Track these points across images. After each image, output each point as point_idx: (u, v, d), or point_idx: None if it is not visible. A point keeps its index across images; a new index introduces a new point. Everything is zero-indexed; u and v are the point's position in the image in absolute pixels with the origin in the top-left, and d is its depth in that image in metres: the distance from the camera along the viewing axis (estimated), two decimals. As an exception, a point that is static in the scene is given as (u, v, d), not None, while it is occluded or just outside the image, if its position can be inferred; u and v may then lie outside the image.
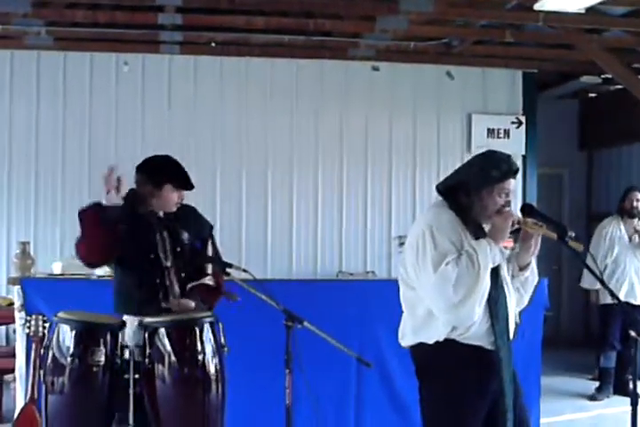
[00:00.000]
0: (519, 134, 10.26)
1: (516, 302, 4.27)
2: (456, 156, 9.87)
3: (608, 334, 8.66)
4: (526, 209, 4.23)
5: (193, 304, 4.86)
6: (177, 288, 4.88)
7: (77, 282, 6.26)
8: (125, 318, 4.76)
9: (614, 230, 8.74)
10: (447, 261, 3.91)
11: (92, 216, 4.75)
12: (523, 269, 4.28)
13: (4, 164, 9.33)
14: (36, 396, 5.16)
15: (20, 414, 5.33)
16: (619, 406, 8.18)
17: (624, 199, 8.83)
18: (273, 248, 9.76)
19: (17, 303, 5.78)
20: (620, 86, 10.42)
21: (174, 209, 4.98)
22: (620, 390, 8.57)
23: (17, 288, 5.81)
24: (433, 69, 10.07)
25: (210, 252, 5.08)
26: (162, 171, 4.95)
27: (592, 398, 8.60)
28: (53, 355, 4.56)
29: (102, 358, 4.51)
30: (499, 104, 10.33)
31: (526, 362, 5.66)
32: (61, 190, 9.39)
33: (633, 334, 4.78)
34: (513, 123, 10.26)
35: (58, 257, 8.13)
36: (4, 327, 8.73)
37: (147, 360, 4.51)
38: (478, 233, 4.09)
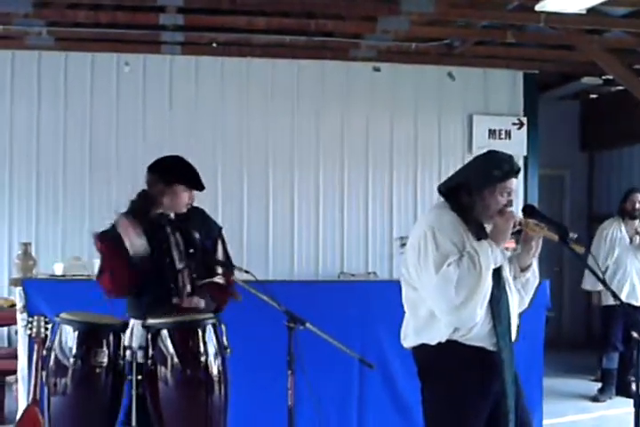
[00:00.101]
0: (520, 135, 10.26)
1: (517, 304, 4.27)
2: (457, 156, 9.88)
3: (610, 335, 8.66)
4: (528, 210, 4.23)
5: (202, 303, 4.85)
6: (189, 289, 4.88)
7: (79, 283, 6.27)
8: (134, 320, 4.76)
9: (615, 232, 8.74)
10: (449, 263, 3.91)
11: (112, 247, 4.76)
12: (524, 270, 4.28)
13: (5, 165, 9.33)
14: (38, 397, 5.16)
15: (22, 415, 5.32)
16: (621, 408, 8.19)
17: (625, 201, 8.84)
18: (274, 249, 9.76)
19: (19, 304, 5.78)
20: (621, 87, 10.41)
21: (184, 210, 4.98)
22: (623, 391, 8.59)
23: (19, 289, 5.81)
24: (434, 70, 10.07)
25: (220, 252, 5.08)
26: (173, 171, 4.96)
27: (594, 399, 8.60)
28: (56, 356, 4.56)
29: (105, 359, 4.51)
30: (500, 105, 10.33)
31: (528, 363, 5.65)
32: (63, 191, 9.39)
33: (635, 335, 4.79)
34: (514, 124, 10.26)
35: (59, 258, 8.15)
36: (5, 329, 8.72)
37: (149, 361, 4.51)
38: (480, 234, 4.08)
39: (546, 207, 10.26)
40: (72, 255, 7.66)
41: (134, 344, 4.61)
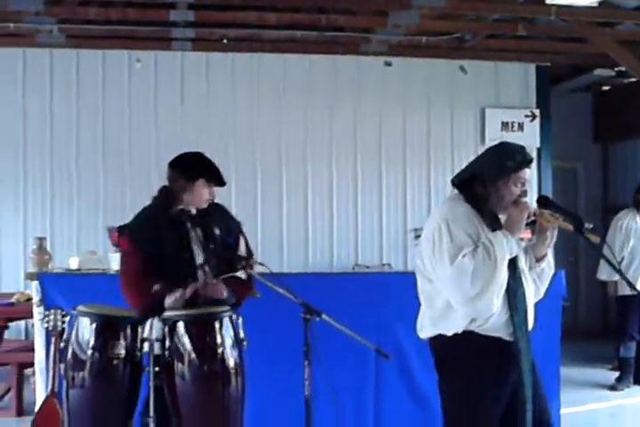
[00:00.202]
0: (533, 128, 10.27)
1: (532, 294, 4.27)
2: (470, 149, 9.87)
3: (626, 324, 8.66)
4: (542, 201, 4.24)
5: (225, 292, 4.87)
6: None
7: (95, 277, 6.27)
8: None
9: (630, 222, 8.71)
10: (464, 254, 3.92)
11: (130, 242, 4.82)
12: (539, 260, 4.29)
13: (19, 161, 9.41)
14: (56, 389, 5.18)
15: (41, 407, 5.34)
16: (639, 397, 8.21)
17: (639, 191, 8.82)
18: (289, 242, 9.80)
19: (35, 298, 5.80)
20: (633, 79, 10.42)
21: (205, 205, 4.97)
22: (641, 380, 8.62)
23: (35, 283, 5.83)
24: (446, 64, 10.09)
25: (242, 247, 5.09)
26: (194, 166, 4.96)
27: (612, 388, 8.58)
28: (73, 349, 4.57)
29: (122, 352, 4.52)
30: (512, 98, 10.34)
31: (546, 353, 5.64)
32: (77, 186, 9.46)
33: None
34: (527, 116, 10.27)
35: (74, 252, 8.17)
36: (23, 322, 8.78)
37: (166, 353, 4.52)
38: (495, 225, 4.09)
39: (560, 199, 10.09)
40: (87, 249, 7.68)
41: (152, 336, 4.62)
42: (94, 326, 4.55)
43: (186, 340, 4.53)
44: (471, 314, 4.00)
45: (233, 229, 5.11)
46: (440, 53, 9.93)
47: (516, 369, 4.03)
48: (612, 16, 8.46)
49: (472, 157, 4.46)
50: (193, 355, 4.51)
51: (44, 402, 5.29)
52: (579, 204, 12.32)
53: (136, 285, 4.75)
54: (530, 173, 4.19)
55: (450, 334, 4.09)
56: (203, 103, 9.72)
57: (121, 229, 4.93)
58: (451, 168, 9.76)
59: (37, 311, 5.72)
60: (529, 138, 10.03)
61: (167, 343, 4.53)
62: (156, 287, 4.72)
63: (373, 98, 9.99)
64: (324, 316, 4.39)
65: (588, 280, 10.93)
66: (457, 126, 10.22)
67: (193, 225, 4.92)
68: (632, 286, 4.50)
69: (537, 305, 4.34)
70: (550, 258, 4.35)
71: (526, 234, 4.26)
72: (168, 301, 4.66)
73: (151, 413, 4.42)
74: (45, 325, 5.30)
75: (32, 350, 5.96)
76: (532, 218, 4.10)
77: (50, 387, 5.26)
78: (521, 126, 10.21)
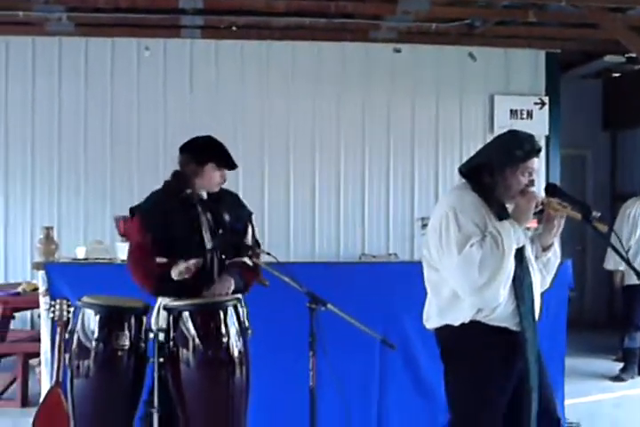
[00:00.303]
0: (542, 115, 10.22)
1: (539, 284, 4.26)
2: (479, 137, 9.83)
3: (632, 315, 8.64)
4: (550, 189, 4.22)
5: (232, 281, 4.87)
6: (217, 269, 4.90)
7: (101, 266, 6.30)
8: (161, 299, 4.80)
9: (638, 211, 8.67)
10: (471, 243, 3.91)
11: (142, 220, 4.87)
12: (545, 249, 4.28)
13: (27, 150, 9.42)
14: (61, 379, 5.20)
15: (46, 397, 5.36)
16: (644, 387, 8.22)
17: (648, 179, 8.80)
18: (295, 231, 9.80)
19: (41, 288, 5.81)
20: (644, 66, 10.36)
21: (217, 189, 5.02)
22: (645, 370, 8.60)
23: (41, 273, 5.84)
24: (455, 51, 10.04)
25: (249, 237, 5.10)
26: (205, 150, 4.99)
27: (616, 378, 8.56)
28: (78, 339, 4.59)
29: (127, 342, 4.53)
30: (521, 85, 10.29)
31: (551, 343, 5.62)
32: (84, 175, 9.48)
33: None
34: (536, 104, 10.21)
35: (81, 242, 8.20)
36: (29, 312, 8.78)
37: (171, 343, 4.53)
38: (502, 214, 4.08)
39: (568, 187, 10.06)
40: (94, 239, 7.69)
41: (156, 327, 4.64)
42: (99, 317, 4.56)
43: (191, 329, 4.55)
44: (478, 304, 4.00)
45: (243, 216, 5.15)
46: (449, 40, 9.87)
47: (523, 359, 4.04)
48: (623, 1, 8.39)
49: (480, 145, 4.46)
50: (198, 343, 4.53)
51: (49, 393, 5.31)
52: (586, 191, 12.25)
53: (144, 263, 4.80)
54: (538, 163, 4.18)
55: (457, 324, 4.10)
56: (212, 91, 9.70)
57: (132, 210, 4.97)
58: (459, 155, 9.73)
59: (43, 301, 5.74)
60: (538, 126, 9.97)
61: (172, 333, 4.55)
62: (160, 261, 4.76)
63: (382, 85, 9.95)
64: (329, 305, 4.39)
65: (595, 270, 10.90)
66: (466, 113, 10.18)
67: (203, 209, 4.96)
68: (639, 276, 4.48)
69: (543, 295, 4.33)
70: (557, 247, 4.34)
71: (532, 223, 4.25)
72: (174, 272, 4.68)
73: (155, 403, 4.44)
74: (51, 315, 5.32)
75: (38, 340, 5.99)
76: (540, 207, 4.09)
77: (55, 378, 5.27)
78: (530, 114, 10.16)
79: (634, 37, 8.73)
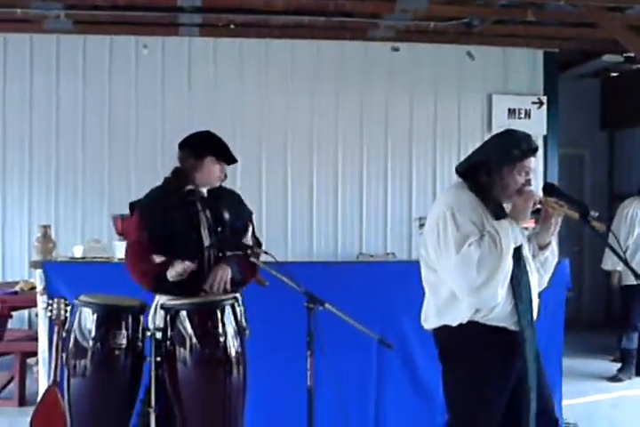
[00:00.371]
0: (540, 115, 10.22)
1: (536, 283, 4.26)
2: (476, 136, 9.82)
3: (630, 315, 8.64)
4: (548, 188, 4.23)
5: (228, 270, 4.86)
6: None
7: (99, 265, 6.27)
8: (159, 297, 4.80)
9: (635, 211, 8.64)
10: (470, 243, 3.91)
11: (142, 216, 4.86)
12: (543, 248, 4.28)
13: (25, 147, 9.41)
14: (58, 379, 5.19)
15: (43, 396, 5.34)
16: (641, 388, 8.22)
17: (645, 179, 8.78)
18: (293, 230, 9.80)
19: (39, 287, 5.81)
20: (642, 65, 10.35)
21: (217, 184, 5.03)
22: (642, 371, 8.60)
23: (39, 272, 5.83)
24: (453, 49, 10.04)
25: (249, 236, 5.10)
26: (203, 143, 5.01)
27: (614, 379, 8.56)
28: (75, 338, 4.58)
29: (124, 341, 4.53)
30: (520, 84, 10.29)
31: (548, 343, 5.63)
32: (82, 174, 9.47)
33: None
34: (534, 103, 10.21)
35: (79, 240, 8.19)
36: (26, 311, 8.78)
37: (168, 343, 4.53)
38: (499, 213, 4.08)
39: (566, 186, 9.99)
40: (91, 237, 7.68)
41: (153, 325, 4.63)
42: (96, 315, 4.56)
43: (188, 328, 4.55)
44: (476, 304, 3.99)
45: (243, 216, 5.17)
46: (448, 39, 9.87)
47: (521, 359, 4.03)
48: (621, 0, 8.39)
49: (478, 144, 4.45)
50: (195, 342, 4.53)
51: (46, 392, 5.29)
52: (584, 191, 12.26)
53: (142, 259, 4.80)
54: (535, 162, 4.18)
55: (455, 324, 4.09)
56: (210, 89, 9.69)
57: (132, 205, 4.99)
58: (457, 154, 9.72)
59: (41, 300, 5.73)
60: (536, 125, 9.98)
61: (169, 332, 4.55)
62: (158, 260, 4.75)
63: (380, 83, 9.95)
64: (327, 305, 4.38)
65: (593, 270, 10.91)
66: (464, 112, 10.18)
67: (203, 207, 4.96)
68: (637, 276, 4.48)
69: (541, 294, 4.33)
70: (554, 246, 4.34)
71: (530, 223, 4.25)
72: (169, 273, 4.68)
73: (152, 403, 4.43)
74: (49, 314, 5.30)
75: (35, 339, 5.99)
76: (538, 206, 4.09)
77: (52, 377, 5.26)
78: (528, 113, 10.16)
79: (632, 37, 8.73)
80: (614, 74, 11.89)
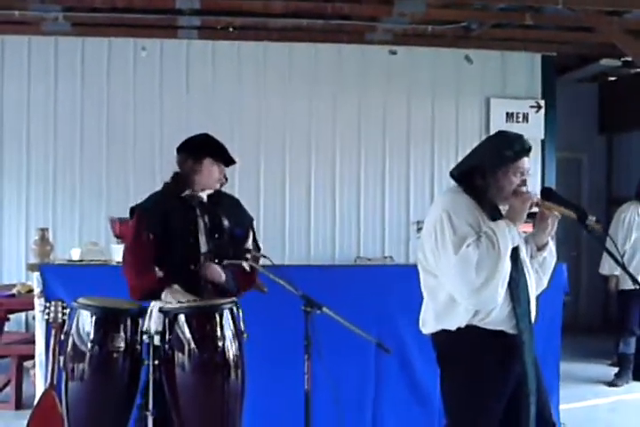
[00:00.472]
0: (538, 118, 10.22)
1: (535, 285, 4.25)
2: (474, 140, 9.66)
3: (627, 319, 8.61)
4: (545, 193, 4.23)
5: (223, 275, 4.86)
6: None
7: (96, 268, 6.28)
8: (154, 302, 4.78)
9: (633, 215, 8.60)
10: (468, 244, 3.90)
11: (140, 219, 4.86)
12: (540, 249, 4.27)
13: (23, 149, 9.40)
14: (56, 382, 5.18)
15: (40, 400, 5.34)
16: (638, 392, 8.23)
17: (643, 184, 8.76)
18: (291, 233, 9.79)
19: (36, 290, 5.81)
20: (639, 69, 10.33)
21: (217, 186, 5.03)
22: (640, 376, 8.59)
23: (36, 275, 5.83)
24: (451, 53, 10.03)
25: (249, 243, 5.10)
26: (201, 146, 5.01)
27: (611, 383, 8.55)
28: (73, 341, 4.59)
29: (122, 344, 4.54)
30: (518, 88, 10.28)
31: (546, 347, 5.64)
32: (80, 176, 9.45)
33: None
34: (532, 107, 10.21)
35: (76, 243, 8.17)
36: (23, 314, 8.77)
37: (166, 346, 4.52)
38: (495, 215, 4.08)
39: (564, 190, 10.03)
40: (89, 240, 7.67)
41: (152, 329, 4.62)
42: (94, 318, 4.56)
43: (186, 332, 4.55)
44: (476, 306, 3.97)
45: (244, 222, 5.16)
46: (446, 42, 9.87)
47: (520, 362, 4.01)
48: (619, 4, 8.38)
49: (475, 149, 4.44)
50: (193, 347, 4.53)
51: (43, 395, 5.29)
52: (582, 195, 12.26)
53: (143, 270, 4.77)
54: (529, 162, 4.17)
55: (453, 328, 4.08)
56: (208, 92, 9.69)
57: (132, 209, 4.96)
58: (455, 158, 9.67)
59: (38, 303, 5.73)
60: (534, 129, 9.99)
61: (167, 336, 4.54)
62: (159, 274, 4.74)
63: (378, 87, 9.95)
64: (324, 309, 4.38)
65: (590, 275, 10.92)
66: (462, 116, 10.17)
67: (202, 212, 4.95)
68: (634, 280, 4.48)
69: (539, 297, 4.32)
70: (552, 247, 4.33)
71: (528, 227, 4.24)
72: (164, 296, 4.67)
73: (150, 406, 4.43)
74: (46, 317, 5.30)
75: (32, 342, 5.99)
76: (535, 208, 4.09)
77: (49, 380, 5.26)
78: (526, 117, 10.16)
79: (630, 41, 8.74)
80: (612, 78, 11.90)
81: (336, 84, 9.91)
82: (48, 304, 5.30)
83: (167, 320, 4.57)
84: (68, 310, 5.12)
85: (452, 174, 4.28)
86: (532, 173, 4.23)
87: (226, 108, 9.68)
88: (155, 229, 4.79)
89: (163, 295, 4.68)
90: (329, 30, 9.48)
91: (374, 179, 9.98)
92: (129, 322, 4.62)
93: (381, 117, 10.03)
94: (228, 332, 4.62)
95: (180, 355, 4.51)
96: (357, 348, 5.44)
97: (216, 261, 4.90)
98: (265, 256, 4.79)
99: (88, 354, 4.52)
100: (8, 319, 7.72)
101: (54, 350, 5.21)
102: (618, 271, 8.32)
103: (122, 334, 4.56)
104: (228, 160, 5.06)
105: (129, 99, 9.55)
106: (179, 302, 4.63)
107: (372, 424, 5.98)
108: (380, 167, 9.99)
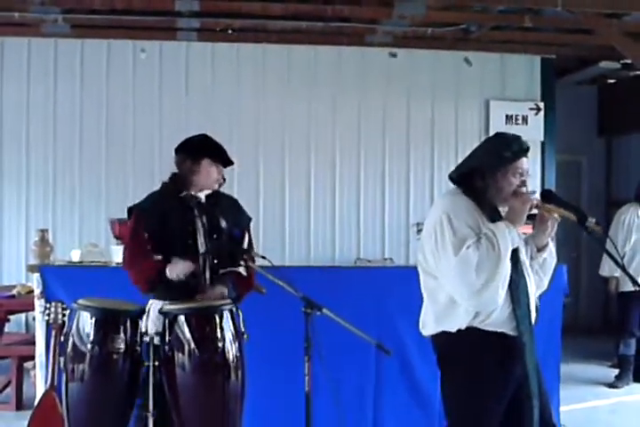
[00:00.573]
0: (537, 121, 10.23)
1: (535, 286, 4.25)
2: (474, 142, 9.65)
3: (627, 321, 8.61)
4: (545, 195, 4.22)
5: (225, 290, 4.87)
6: (208, 274, 4.89)
7: (96, 269, 6.29)
8: (152, 302, 4.79)
9: (632, 217, 8.60)
10: (468, 245, 3.89)
11: (139, 219, 4.88)
12: (540, 250, 4.26)
13: (22, 151, 9.41)
14: (56, 383, 5.18)
15: (40, 400, 5.34)
16: (638, 394, 8.21)
17: (642, 186, 8.76)
18: (291, 235, 9.79)
19: (36, 291, 5.81)
20: (639, 72, 10.33)
21: (215, 186, 5.03)
22: (640, 377, 8.59)
23: (36, 276, 5.84)
24: (451, 55, 10.04)
25: (246, 244, 5.10)
26: (199, 146, 5.02)
27: (611, 385, 8.54)
28: (73, 342, 4.59)
29: (122, 345, 4.54)
30: (517, 90, 10.30)
31: (546, 349, 5.62)
32: (79, 178, 9.46)
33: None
34: (531, 109, 10.23)
35: (76, 244, 8.18)
36: (23, 315, 8.78)
37: (166, 347, 4.53)
38: (495, 217, 4.07)
39: (563, 193, 9.96)
40: (89, 241, 7.68)
41: (151, 330, 4.63)
42: (94, 319, 4.57)
43: (186, 333, 4.55)
44: (476, 307, 3.96)
45: (242, 223, 5.16)
46: (445, 45, 9.87)
47: (521, 364, 4.00)
48: (618, 7, 8.38)
49: (475, 152, 4.44)
50: (193, 347, 4.53)
51: (43, 396, 5.29)
52: (581, 197, 12.25)
53: (140, 256, 4.79)
54: (528, 163, 4.17)
55: (453, 330, 4.06)
56: (207, 94, 9.70)
57: (130, 209, 4.97)
58: (455, 160, 9.65)
59: (38, 304, 5.73)
60: (533, 131, 10.01)
61: (167, 337, 4.54)
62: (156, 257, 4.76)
63: (378, 89, 9.96)
64: (324, 310, 4.39)
65: (590, 276, 10.91)
66: (461, 118, 10.19)
67: (200, 212, 4.95)
68: (634, 282, 4.47)
69: (540, 298, 4.32)
70: (552, 248, 4.32)
71: (528, 229, 4.24)
72: (169, 270, 4.69)
73: (150, 407, 4.43)
74: (46, 318, 5.30)
75: (33, 343, 5.99)
76: (534, 211, 4.09)
77: (49, 381, 5.26)
78: (525, 119, 10.17)
79: (629, 43, 8.73)
80: (611, 80, 11.89)
81: (335, 87, 9.92)
82: (48, 305, 5.30)
83: (167, 321, 4.57)
84: (67, 311, 5.12)
85: (451, 177, 4.28)
86: (532, 175, 4.23)
87: (225, 109, 9.68)
88: (152, 229, 4.80)
89: (167, 272, 4.68)
90: (328, 32, 9.48)
91: (374, 180, 9.99)
92: (129, 323, 4.62)
93: (381, 119, 10.04)
94: (228, 333, 4.62)
95: (180, 356, 4.52)
96: (357, 349, 5.45)
97: (215, 261, 4.90)
98: (264, 257, 4.78)
99: (88, 355, 4.52)
100: (8, 320, 7.72)
101: (54, 351, 5.22)
102: (618, 273, 8.32)
103: (122, 335, 4.56)
104: (226, 161, 5.07)
105: (128, 100, 9.55)
106: (179, 302, 4.63)
107: (373, 426, 5.98)
108: (379, 169, 10.00)
